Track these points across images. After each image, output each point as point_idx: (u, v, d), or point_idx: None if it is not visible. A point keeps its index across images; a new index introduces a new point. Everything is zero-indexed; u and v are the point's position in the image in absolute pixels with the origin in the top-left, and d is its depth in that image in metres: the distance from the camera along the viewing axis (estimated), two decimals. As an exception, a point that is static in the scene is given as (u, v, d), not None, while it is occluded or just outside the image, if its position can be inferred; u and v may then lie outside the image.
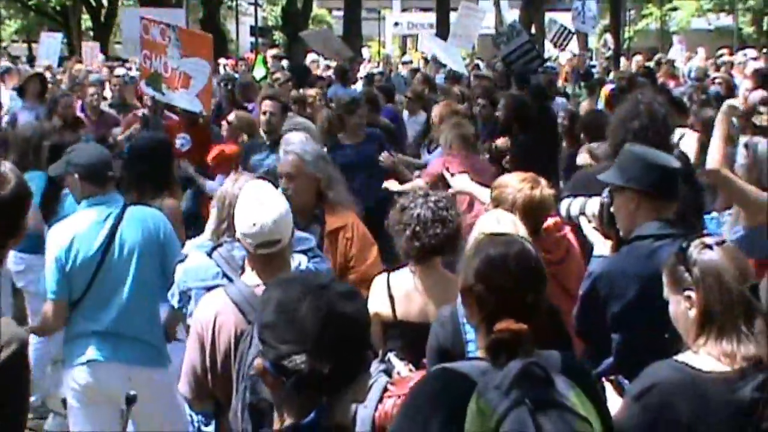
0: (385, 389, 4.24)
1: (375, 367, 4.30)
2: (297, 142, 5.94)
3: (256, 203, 4.01)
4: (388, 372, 4.33)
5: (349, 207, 5.70)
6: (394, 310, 4.54)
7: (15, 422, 2.86)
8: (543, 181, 5.00)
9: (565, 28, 20.24)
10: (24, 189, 3.05)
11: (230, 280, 4.30)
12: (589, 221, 4.54)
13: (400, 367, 4.32)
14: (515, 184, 4.96)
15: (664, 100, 5.65)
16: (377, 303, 4.54)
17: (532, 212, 4.87)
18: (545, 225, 5.03)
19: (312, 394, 2.28)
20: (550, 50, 24.20)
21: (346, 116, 9.37)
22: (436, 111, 9.64)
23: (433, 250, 4.52)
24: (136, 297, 5.18)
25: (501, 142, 9.34)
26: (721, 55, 21.79)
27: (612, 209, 4.30)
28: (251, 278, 4.07)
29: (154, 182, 5.99)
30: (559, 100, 13.55)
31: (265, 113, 8.60)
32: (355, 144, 9.18)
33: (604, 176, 4.34)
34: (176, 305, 4.72)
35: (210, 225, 4.85)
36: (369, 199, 7.76)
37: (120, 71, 15.75)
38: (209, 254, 4.54)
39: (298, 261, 4.46)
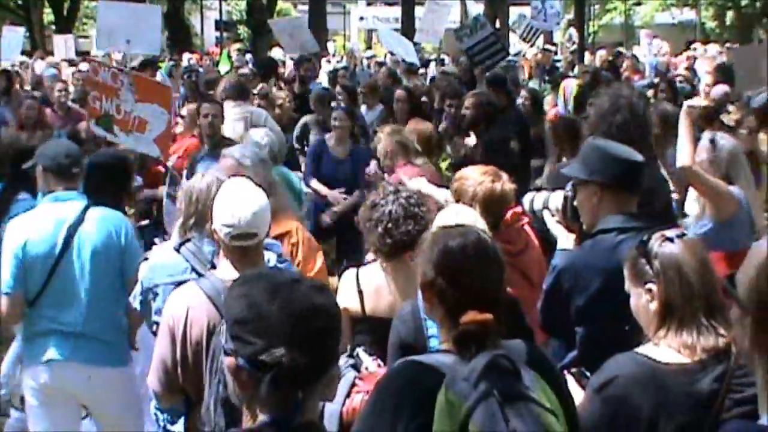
0: (353, 384, 4.22)
1: (343, 362, 4.29)
2: (238, 147, 5.78)
3: (237, 196, 4.04)
4: (356, 367, 4.31)
5: (291, 213, 5.59)
6: (363, 305, 4.53)
7: None
8: (504, 175, 5.04)
9: (541, 30, 20.23)
10: None
11: (199, 274, 4.30)
12: (553, 215, 4.56)
13: (369, 363, 4.30)
14: (476, 176, 5.00)
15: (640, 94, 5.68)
16: (346, 298, 4.53)
17: (493, 205, 4.91)
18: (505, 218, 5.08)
19: (288, 389, 2.28)
20: (516, 44, 24.24)
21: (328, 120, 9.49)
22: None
23: (404, 247, 4.51)
24: (95, 297, 5.14)
25: (469, 141, 9.32)
26: (695, 48, 22.07)
27: (575, 203, 4.33)
28: (225, 272, 4.06)
29: (110, 198, 5.73)
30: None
31: (206, 116, 8.43)
32: (339, 160, 9.16)
33: (568, 170, 4.37)
34: (138, 307, 4.69)
35: (179, 221, 4.83)
36: None
37: (84, 66, 15.64)
38: (177, 249, 4.55)
39: (268, 257, 4.48)
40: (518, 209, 5.18)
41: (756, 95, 8.84)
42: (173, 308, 4.08)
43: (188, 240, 4.53)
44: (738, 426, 2.68)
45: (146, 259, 4.87)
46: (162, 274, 4.54)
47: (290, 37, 18.47)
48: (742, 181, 5.91)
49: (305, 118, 10.98)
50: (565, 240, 4.42)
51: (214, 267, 4.30)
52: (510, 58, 14.66)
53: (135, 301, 4.70)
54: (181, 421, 4.25)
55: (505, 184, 4.99)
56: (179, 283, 4.32)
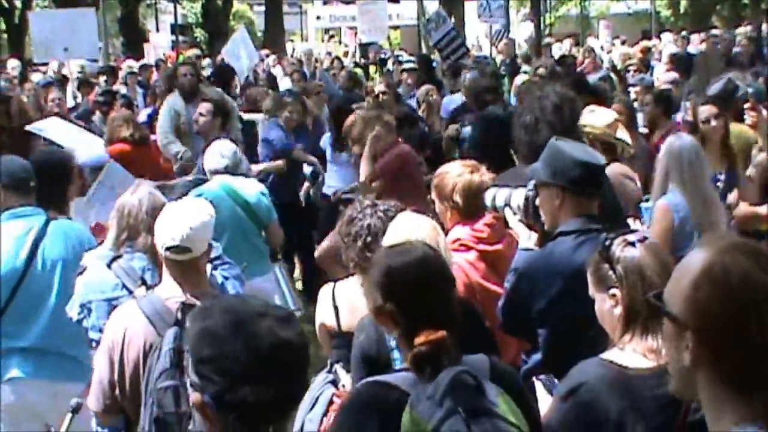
0: (331, 402, 4.20)
1: (322, 378, 4.29)
2: None
3: (176, 212, 4.10)
4: (334, 383, 4.29)
5: None
6: (338, 321, 4.45)
7: None
8: (482, 167, 5.04)
9: (504, 29, 20.20)
10: None
11: (130, 291, 4.37)
12: (514, 213, 4.53)
13: (346, 380, 4.23)
14: (456, 170, 5.02)
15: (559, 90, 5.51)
16: (323, 313, 4.48)
17: (471, 196, 4.90)
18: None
19: (257, 425, 2.22)
20: (479, 40, 24.43)
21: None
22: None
23: None
24: (59, 312, 5.02)
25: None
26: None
27: (537, 203, 4.31)
28: (167, 289, 4.08)
29: (47, 198, 5.46)
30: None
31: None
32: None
33: (531, 170, 4.34)
34: (75, 317, 4.66)
35: (110, 235, 4.79)
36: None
37: (35, 77, 15.43)
38: (108, 265, 4.57)
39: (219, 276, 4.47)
40: None
41: (713, 83, 8.89)
42: (112, 328, 4.11)
43: (120, 256, 4.54)
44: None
45: (83, 271, 4.80)
46: (95, 290, 4.57)
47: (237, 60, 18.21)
48: (679, 180, 5.80)
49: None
50: (527, 239, 4.38)
51: (144, 283, 4.35)
52: (479, 54, 14.65)
53: (71, 311, 4.68)
54: None
55: (484, 175, 4.98)
56: (110, 300, 4.37)
